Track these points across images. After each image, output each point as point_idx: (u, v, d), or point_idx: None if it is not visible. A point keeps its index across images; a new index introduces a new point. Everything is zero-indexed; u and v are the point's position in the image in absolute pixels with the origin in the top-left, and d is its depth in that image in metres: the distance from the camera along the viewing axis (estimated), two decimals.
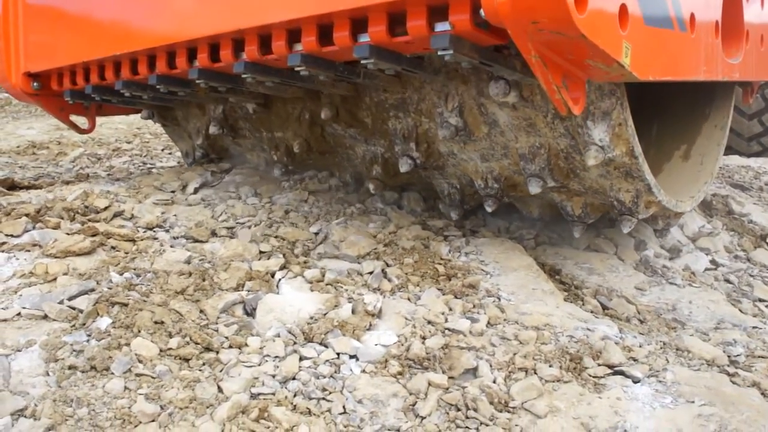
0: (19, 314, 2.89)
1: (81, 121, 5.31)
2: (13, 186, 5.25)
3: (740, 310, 3.77)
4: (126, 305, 2.99)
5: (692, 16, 3.05)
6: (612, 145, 3.22)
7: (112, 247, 3.64)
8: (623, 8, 2.38)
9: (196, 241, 3.89)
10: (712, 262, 4.40)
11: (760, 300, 3.93)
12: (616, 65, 2.39)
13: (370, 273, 3.52)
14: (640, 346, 3.09)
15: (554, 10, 2.13)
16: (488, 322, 3.13)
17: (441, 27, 2.58)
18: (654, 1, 2.66)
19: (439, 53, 2.59)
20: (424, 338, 2.94)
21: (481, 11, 2.27)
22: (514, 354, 2.88)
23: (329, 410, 2.46)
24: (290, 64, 3.05)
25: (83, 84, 4.37)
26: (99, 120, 9.75)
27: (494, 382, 2.69)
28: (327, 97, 4.14)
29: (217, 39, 3.34)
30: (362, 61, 2.84)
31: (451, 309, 3.21)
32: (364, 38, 2.79)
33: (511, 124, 3.47)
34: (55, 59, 4.42)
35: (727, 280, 4.19)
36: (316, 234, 4.07)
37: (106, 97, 4.59)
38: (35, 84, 4.69)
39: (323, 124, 4.47)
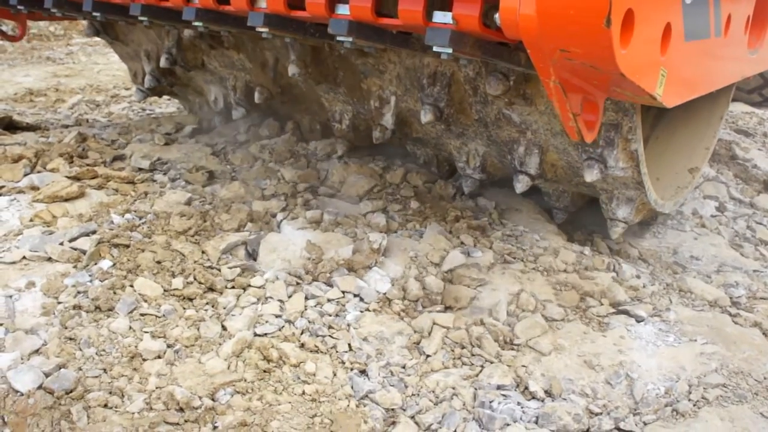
0: (24, 257, 2.88)
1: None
2: (10, 125, 5.13)
3: (742, 254, 3.77)
4: (128, 246, 2.97)
5: (729, 17, 2.64)
6: (634, 217, 3.30)
7: (114, 189, 3.60)
8: (667, 29, 2.00)
9: (196, 183, 3.86)
10: (718, 207, 4.38)
11: (763, 243, 3.93)
12: (647, 97, 2.06)
13: (372, 212, 3.50)
14: (644, 287, 3.10)
15: (593, 44, 1.70)
16: (493, 260, 3.13)
17: (441, 18, 2.06)
18: (698, 10, 2.25)
19: (435, 49, 2.12)
20: (428, 275, 2.94)
21: (496, 17, 1.84)
22: (519, 291, 2.88)
23: (335, 347, 2.47)
24: (251, 23, 2.60)
25: None
26: (96, 67, 9.60)
27: (498, 319, 2.71)
28: (339, 130, 3.99)
29: None
30: (339, 38, 2.41)
31: (455, 246, 3.21)
32: (344, 10, 2.31)
33: None
34: None
35: (731, 225, 4.18)
36: (318, 175, 4.03)
37: (34, 10, 3.89)
38: None
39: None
